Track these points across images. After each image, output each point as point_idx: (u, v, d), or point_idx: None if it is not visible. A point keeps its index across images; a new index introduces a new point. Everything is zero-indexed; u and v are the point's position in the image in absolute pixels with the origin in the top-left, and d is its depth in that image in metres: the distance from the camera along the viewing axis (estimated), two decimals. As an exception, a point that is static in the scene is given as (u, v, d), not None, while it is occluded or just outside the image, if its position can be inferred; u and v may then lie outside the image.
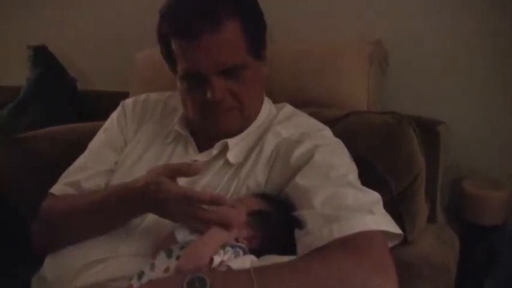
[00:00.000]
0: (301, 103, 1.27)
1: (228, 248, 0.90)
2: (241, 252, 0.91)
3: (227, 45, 1.03)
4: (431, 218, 1.24)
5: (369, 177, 1.03)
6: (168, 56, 1.10)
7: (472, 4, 1.46)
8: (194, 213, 0.93)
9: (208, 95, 1.04)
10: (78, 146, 1.25)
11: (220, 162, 1.11)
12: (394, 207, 1.09)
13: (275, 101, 1.23)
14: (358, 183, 1.01)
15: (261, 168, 1.07)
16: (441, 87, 1.56)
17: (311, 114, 1.20)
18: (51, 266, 1.07)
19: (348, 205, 0.93)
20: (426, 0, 1.53)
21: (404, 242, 1.06)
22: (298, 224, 0.96)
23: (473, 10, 1.47)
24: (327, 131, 1.14)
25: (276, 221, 0.98)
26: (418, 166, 1.12)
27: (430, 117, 1.36)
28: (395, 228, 0.95)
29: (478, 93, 1.55)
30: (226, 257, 0.88)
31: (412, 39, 1.55)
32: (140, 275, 0.92)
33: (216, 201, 0.92)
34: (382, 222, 0.93)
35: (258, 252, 0.93)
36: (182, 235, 0.94)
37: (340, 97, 1.38)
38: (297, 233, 0.94)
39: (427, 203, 1.22)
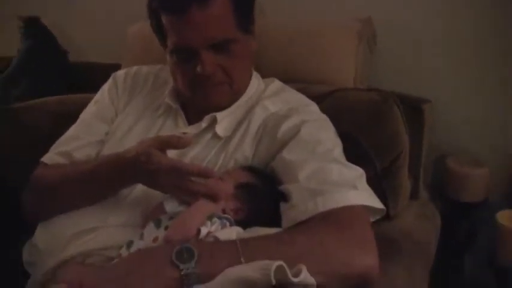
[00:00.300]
0: (289, 79, 1.27)
1: (215, 219, 0.91)
2: (227, 223, 0.93)
3: (216, 20, 1.03)
4: (414, 195, 1.26)
5: (353, 153, 1.05)
6: (158, 30, 1.10)
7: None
8: (183, 184, 0.94)
9: (198, 69, 1.04)
10: (70, 117, 1.25)
11: (209, 135, 1.12)
12: (378, 183, 1.10)
13: (263, 76, 1.23)
14: (343, 158, 1.02)
15: (248, 142, 1.09)
16: (427, 66, 1.56)
17: (298, 90, 1.21)
18: (42, 235, 1.08)
19: (332, 180, 0.95)
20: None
21: (387, 217, 1.08)
22: (284, 197, 0.97)
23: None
24: (314, 107, 1.15)
25: (262, 193, 1.00)
26: (402, 143, 1.14)
27: (416, 96, 1.37)
28: (377, 203, 0.97)
29: (462, 73, 1.55)
30: (213, 228, 0.90)
31: (401, 19, 1.54)
32: (129, 244, 0.93)
33: (204, 174, 0.93)
34: (365, 197, 0.95)
35: (244, 224, 0.95)
36: (171, 206, 0.96)
37: (328, 74, 1.38)
38: (282, 206, 0.96)
39: (410, 179, 1.24)
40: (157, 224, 0.94)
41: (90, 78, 1.61)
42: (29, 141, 1.37)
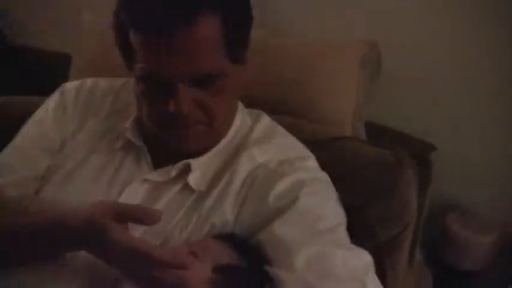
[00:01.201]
0: (277, 109, 1.10)
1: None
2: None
3: (203, 47, 0.83)
4: (410, 260, 1.10)
5: (354, 223, 0.90)
6: (124, 47, 0.88)
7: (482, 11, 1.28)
8: (147, 273, 0.74)
9: (171, 106, 0.84)
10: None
11: (178, 186, 0.93)
12: (378, 257, 0.94)
13: (247, 104, 1.04)
14: (347, 238, 0.87)
15: (230, 202, 0.90)
16: (435, 103, 1.39)
17: (291, 127, 1.03)
18: None
19: (336, 272, 0.79)
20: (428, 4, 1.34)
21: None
22: (271, 282, 0.79)
23: (484, 18, 1.28)
24: (312, 161, 0.97)
25: (246, 280, 0.81)
26: (411, 213, 0.98)
27: (418, 138, 1.20)
28: None
29: (476, 117, 1.38)
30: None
31: (411, 44, 1.36)
32: None
33: (182, 266, 0.73)
34: None
35: None
36: None
37: (324, 105, 1.19)
38: (271, 296, 0.79)
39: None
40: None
41: (32, 66, 1.35)
42: None
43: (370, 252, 0.87)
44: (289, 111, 1.14)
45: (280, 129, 1.03)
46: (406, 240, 0.99)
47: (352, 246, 0.85)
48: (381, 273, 0.93)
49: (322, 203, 0.88)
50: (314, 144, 1.00)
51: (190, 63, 0.82)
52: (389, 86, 1.28)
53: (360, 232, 0.90)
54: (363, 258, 0.83)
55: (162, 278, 0.74)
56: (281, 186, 0.88)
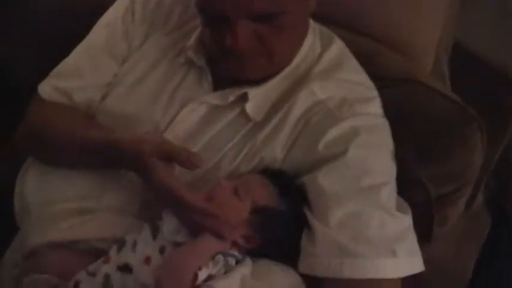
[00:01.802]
0: (351, 26, 1.05)
1: (219, 257, 0.80)
2: (233, 261, 0.81)
3: None
4: (468, 206, 1.07)
5: (405, 177, 0.88)
6: None
7: None
8: (184, 214, 0.82)
9: (228, 40, 0.83)
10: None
11: (236, 112, 0.93)
12: (428, 210, 0.94)
13: (317, 19, 0.98)
14: (390, 199, 0.86)
15: (282, 139, 0.90)
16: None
17: (365, 57, 0.97)
18: (34, 190, 0.97)
19: (369, 235, 0.82)
20: None
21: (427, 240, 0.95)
22: (309, 227, 0.85)
23: None
24: (374, 104, 0.93)
25: (283, 223, 0.86)
26: (471, 176, 0.94)
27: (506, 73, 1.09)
28: (415, 268, 0.84)
29: None
30: (215, 271, 0.80)
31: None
32: (120, 246, 0.85)
33: (213, 215, 0.79)
34: (403, 268, 0.82)
35: (255, 254, 0.84)
36: (168, 229, 0.83)
37: (406, 29, 1.10)
38: (305, 243, 0.84)
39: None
40: (154, 234, 0.84)
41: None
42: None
43: (418, 205, 0.88)
44: (365, 31, 1.08)
45: (349, 61, 0.98)
46: (461, 198, 0.97)
47: (393, 208, 0.84)
48: (427, 228, 0.95)
49: (371, 157, 0.86)
50: (383, 81, 0.96)
51: (249, 3, 0.80)
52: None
53: (409, 184, 0.89)
54: (401, 224, 0.84)
55: (198, 220, 0.81)
56: (334, 132, 0.87)
